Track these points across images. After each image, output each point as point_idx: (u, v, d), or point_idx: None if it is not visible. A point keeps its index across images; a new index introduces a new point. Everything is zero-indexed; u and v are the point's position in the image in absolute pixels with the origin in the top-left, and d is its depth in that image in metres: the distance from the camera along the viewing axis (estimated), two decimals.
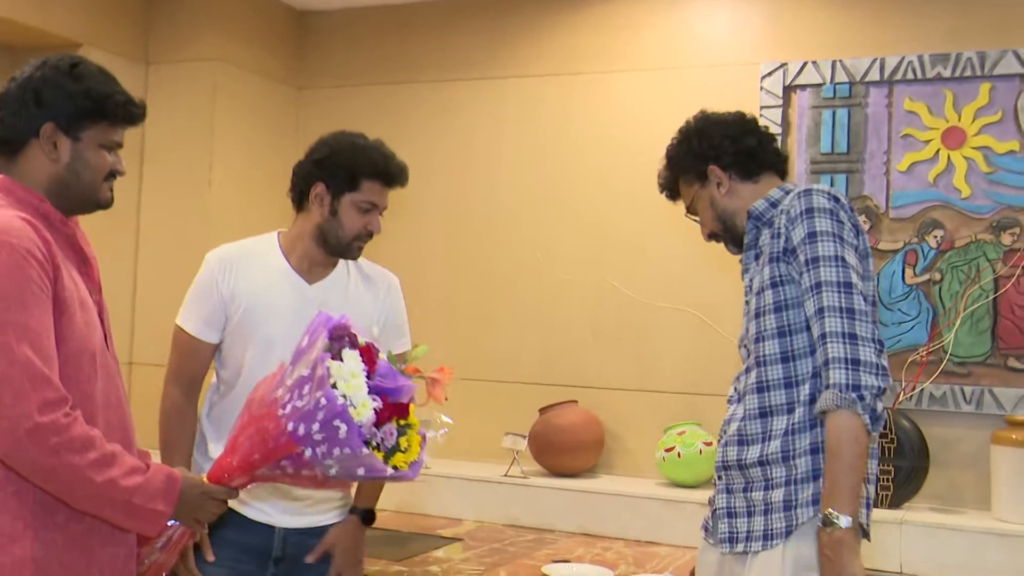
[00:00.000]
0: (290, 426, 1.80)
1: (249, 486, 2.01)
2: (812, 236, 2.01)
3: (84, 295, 1.86)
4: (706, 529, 2.23)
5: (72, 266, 1.87)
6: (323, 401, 1.78)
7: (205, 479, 1.96)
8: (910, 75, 3.63)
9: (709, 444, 3.69)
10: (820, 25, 3.81)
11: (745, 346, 2.18)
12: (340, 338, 1.88)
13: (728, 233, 2.22)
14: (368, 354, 1.89)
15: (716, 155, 2.21)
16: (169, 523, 1.96)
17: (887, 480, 3.39)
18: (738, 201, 2.20)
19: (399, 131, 4.43)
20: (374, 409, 1.82)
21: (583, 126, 4.10)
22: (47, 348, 1.72)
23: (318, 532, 2.52)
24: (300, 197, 2.55)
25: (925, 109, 3.63)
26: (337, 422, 1.77)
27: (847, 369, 1.92)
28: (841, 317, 1.95)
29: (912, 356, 3.56)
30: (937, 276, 3.58)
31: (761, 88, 3.80)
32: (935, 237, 3.59)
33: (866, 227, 3.65)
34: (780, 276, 2.06)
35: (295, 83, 4.59)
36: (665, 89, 3.98)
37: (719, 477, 2.17)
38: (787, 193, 2.17)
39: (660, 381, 3.93)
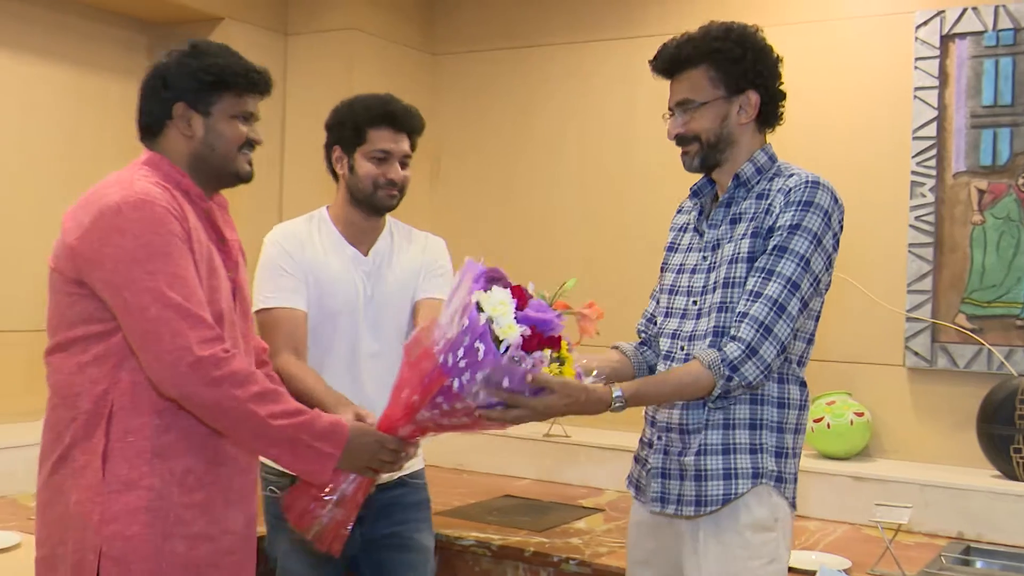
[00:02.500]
0: (441, 358, 1.87)
1: (418, 438, 2.06)
2: (794, 228, 2.05)
3: (216, 264, 1.96)
4: (637, 487, 2.25)
5: (207, 239, 1.96)
6: (466, 322, 1.83)
7: (376, 428, 2.03)
8: None
9: (860, 415, 3.54)
10: None
11: (694, 301, 2.16)
12: (492, 279, 1.93)
13: (710, 152, 2.15)
14: (519, 292, 1.93)
15: (765, 86, 2.16)
16: (348, 478, 2.01)
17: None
18: (742, 138, 2.16)
19: (532, 95, 4.39)
20: (522, 335, 1.87)
21: None
22: (197, 294, 1.84)
23: (394, 484, 2.58)
24: (331, 169, 2.63)
25: None
26: (477, 343, 1.82)
27: (744, 350, 2.00)
28: (771, 308, 2.02)
29: None
30: None
31: (916, 39, 3.58)
32: None
33: None
34: (757, 253, 2.08)
35: (430, 49, 4.58)
36: (813, 43, 3.80)
37: (658, 438, 2.17)
38: (773, 160, 2.16)
39: None
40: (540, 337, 1.92)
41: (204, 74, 1.95)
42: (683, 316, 2.19)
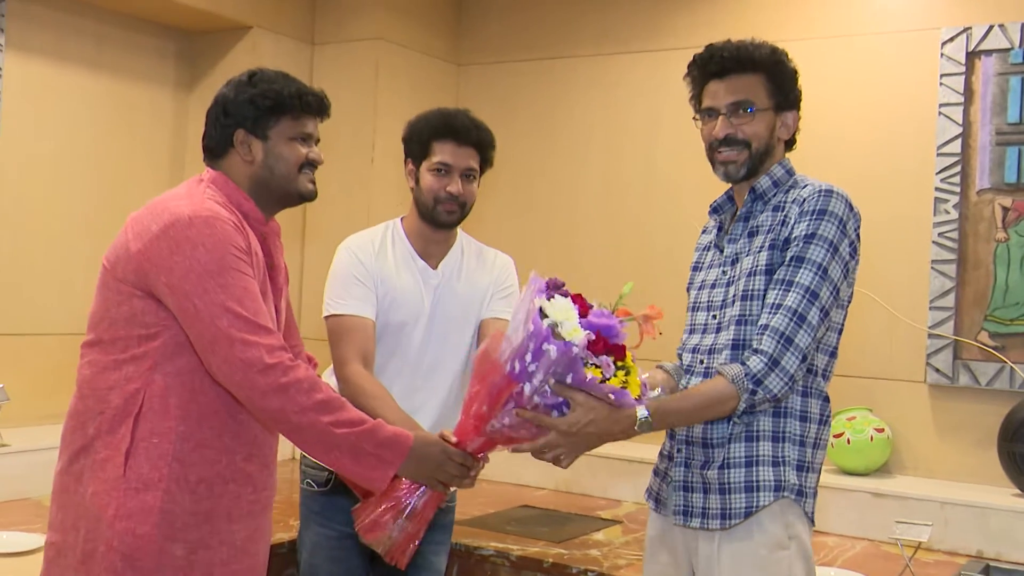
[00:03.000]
0: (508, 367, 1.91)
1: (485, 452, 2.10)
2: (810, 237, 2.06)
3: (266, 287, 2.02)
4: (657, 500, 2.25)
5: (262, 262, 2.03)
6: (531, 327, 1.87)
7: (443, 440, 2.06)
8: None
9: (881, 431, 3.54)
10: None
11: (714, 315, 2.18)
12: (554, 288, 1.98)
13: (756, 160, 2.15)
14: (579, 301, 1.98)
15: (799, 109, 2.22)
16: (418, 491, 2.04)
17: None
18: (776, 154, 2.19)
19: (557, 106, 4.41)
20: (587, 339, 1.90)
21: None
22: (264, 309, 1.92)
23: None
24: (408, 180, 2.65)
25: None
26: (546, 346, 1.87)
27: (766, 362, 2.01)
28: (791, 319, 2.03)
29: None
30: None
31: (941, 55, 3.58)
32: None
33: None
34: (776, 265, 2.09)
35: (455, 60, 4.61)
36: (838, 58, 3.81)
37: (678, 450, 2.18)
38: (790, 174, 2.18)
39: None
40: (605, 342, 1.94)
41: (261, 99, 2.03)
42: (704, 331, 2.21)
